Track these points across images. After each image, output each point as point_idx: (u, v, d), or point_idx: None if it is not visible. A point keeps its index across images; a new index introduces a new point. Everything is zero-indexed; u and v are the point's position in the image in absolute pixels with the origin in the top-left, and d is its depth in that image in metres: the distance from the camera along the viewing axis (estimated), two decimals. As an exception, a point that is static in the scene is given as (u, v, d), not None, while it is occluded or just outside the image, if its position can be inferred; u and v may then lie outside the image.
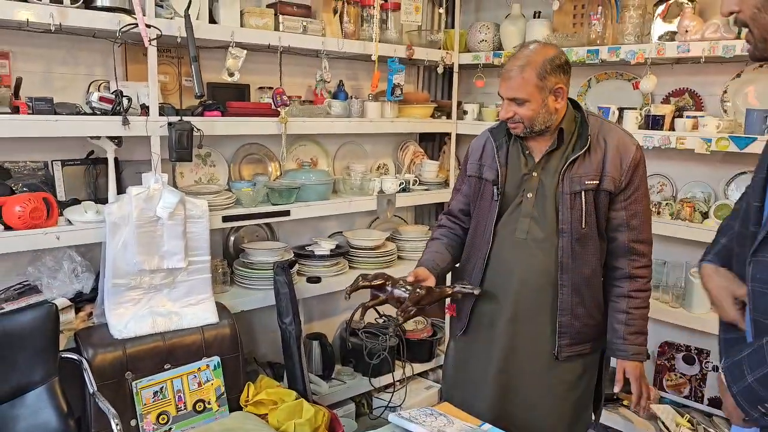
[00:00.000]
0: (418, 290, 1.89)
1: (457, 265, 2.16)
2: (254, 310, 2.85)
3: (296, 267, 2.97)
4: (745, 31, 1.26)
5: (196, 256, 2.51)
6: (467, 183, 2.10)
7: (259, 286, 2.83)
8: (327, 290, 3.01)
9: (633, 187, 1.88)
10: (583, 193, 1.86)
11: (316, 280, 2.98)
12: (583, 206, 1.86)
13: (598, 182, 1.86)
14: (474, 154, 2.08)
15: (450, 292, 1.96)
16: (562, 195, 1.87)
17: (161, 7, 2.45)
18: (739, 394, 1.15)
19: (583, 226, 1.87)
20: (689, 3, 2.72)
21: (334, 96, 3.20)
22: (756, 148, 2.44)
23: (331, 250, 3.08)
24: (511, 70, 1.84)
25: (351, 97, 3.25)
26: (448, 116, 3.58)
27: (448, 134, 3.62)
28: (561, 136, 1.90)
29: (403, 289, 1.89)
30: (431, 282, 1.96)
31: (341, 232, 3.39)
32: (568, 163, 1.87)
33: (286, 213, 2.84)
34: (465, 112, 3.53)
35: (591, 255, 1.91)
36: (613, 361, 2.01)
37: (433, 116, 3.49)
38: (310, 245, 3.16)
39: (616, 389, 1.94)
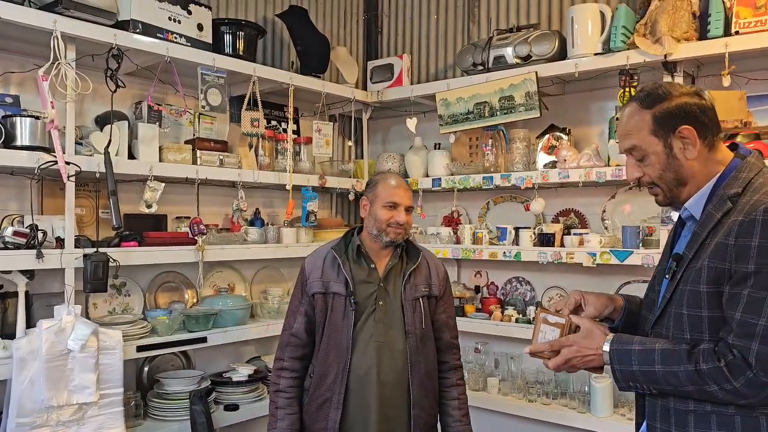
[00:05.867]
0: None
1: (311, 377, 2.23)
2: (169, 444, 2.76)
3: (213, 395, 2.93)
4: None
5: (108, 389, 2.46)
6: (309, 303, 2.23)
7: (175, 417, 2.76)
8: (245, 417, 2.97)
9: (447, 294, 2.34)
10: (420, 299, 2.23)
11: (233, 407, 2.94)
12: (422, 309, 2.22)
13: (429, 289, 2.26)
14: (314, 273, 2.23)
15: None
16: (406, 301, 2.20)
17: (81, 144, 2.56)
18: (619, 372, 1.46)
19: (424, 326, 2.22)
20: (565, 136, 3.12)
21: (251, 223, 3.33)
22: (634, 260, 2.74)
23: (249, 376, 3.08)
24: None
25: (267, 223, 3.38)
26: (362, 239, 3.77)
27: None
28: (400, 253, 2.26)
29: None
30: None
31: (260, 356, 3.39)
32: (407, 275, 2.22)
33: (203, 340, 2.85)
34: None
35: (431, 351, 2.25)
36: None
37: (347, 239, 3.67)
38: (227, 372, 3.14)
39: None
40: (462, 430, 2.28)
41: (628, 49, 2.80)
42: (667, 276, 1.51)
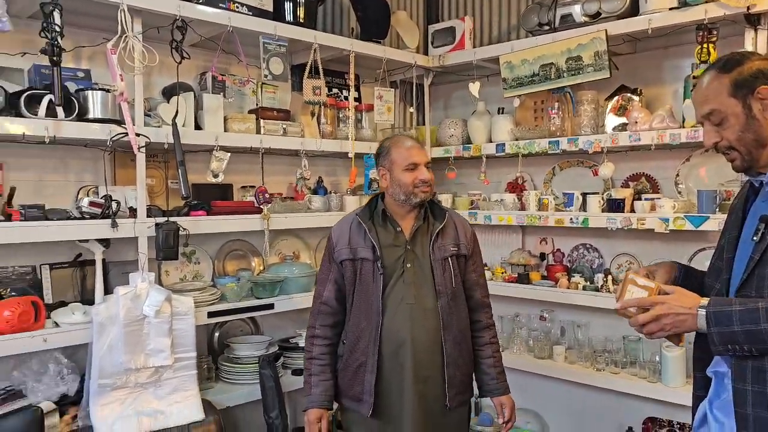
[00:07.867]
0: None
1: (344, 343, 2.26)
2: (240, 406, 2.85)
3: (281, 360, 3.00)
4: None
5: (182, 352, 2.55)
6: (338, 270, 2.25)
7: (245, 380, 2.85)
8: (312, 382, 3.03)
9: (476, 253, 2.35)
10: (449, 258, 2.23)
11: (301, 372, 3.00)
12: (452, 269, 2.22)
13: (457, 249, 2.25)
14: (341, 241, 2.25)
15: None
16: (435, 261, 2.20)
17: (149, 116, 2.62)
18: (717, 334, 1.43)
19: (454, 286, 2.22)
20: (636, 97, 2.97)
21: (314, 191, 3.35)
22: (710, 225, 2.62)
23: (315, 342, 3.12)
24: None
25: (330, 192, 3.40)
26: (423, 206, 3.74)
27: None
28: (425, 214, 2.26)
29: None
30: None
31: (324, 323, 3.44)
32: (434, 235, 2.21)
33: (270, 306, 2.91)
34: (439, 202, 3.70)
35: (462, 310, 2.26)
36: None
37: (408, 207, 3.64)
38: (294, 337, 3.20)
39: (501, 421, 2.31)
40: (499, 387, 2.31)
41: (707, 1, 2.62)
42: (754, 238, 1.49)
